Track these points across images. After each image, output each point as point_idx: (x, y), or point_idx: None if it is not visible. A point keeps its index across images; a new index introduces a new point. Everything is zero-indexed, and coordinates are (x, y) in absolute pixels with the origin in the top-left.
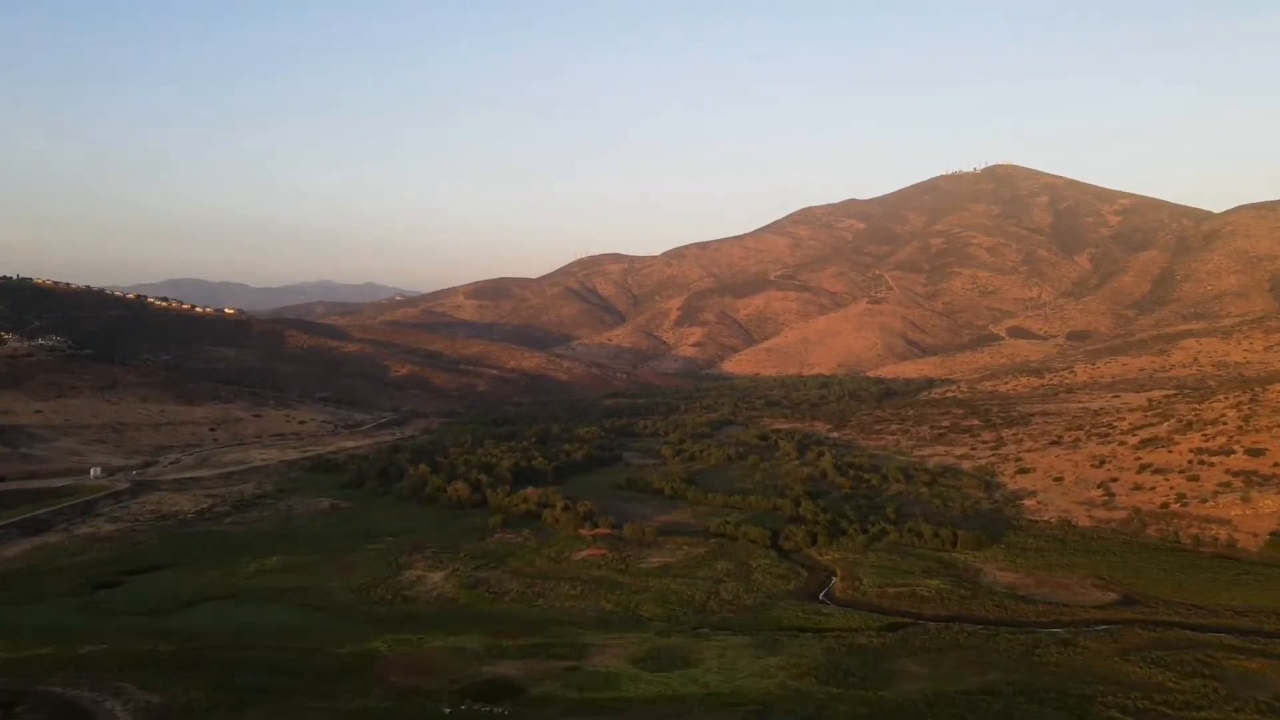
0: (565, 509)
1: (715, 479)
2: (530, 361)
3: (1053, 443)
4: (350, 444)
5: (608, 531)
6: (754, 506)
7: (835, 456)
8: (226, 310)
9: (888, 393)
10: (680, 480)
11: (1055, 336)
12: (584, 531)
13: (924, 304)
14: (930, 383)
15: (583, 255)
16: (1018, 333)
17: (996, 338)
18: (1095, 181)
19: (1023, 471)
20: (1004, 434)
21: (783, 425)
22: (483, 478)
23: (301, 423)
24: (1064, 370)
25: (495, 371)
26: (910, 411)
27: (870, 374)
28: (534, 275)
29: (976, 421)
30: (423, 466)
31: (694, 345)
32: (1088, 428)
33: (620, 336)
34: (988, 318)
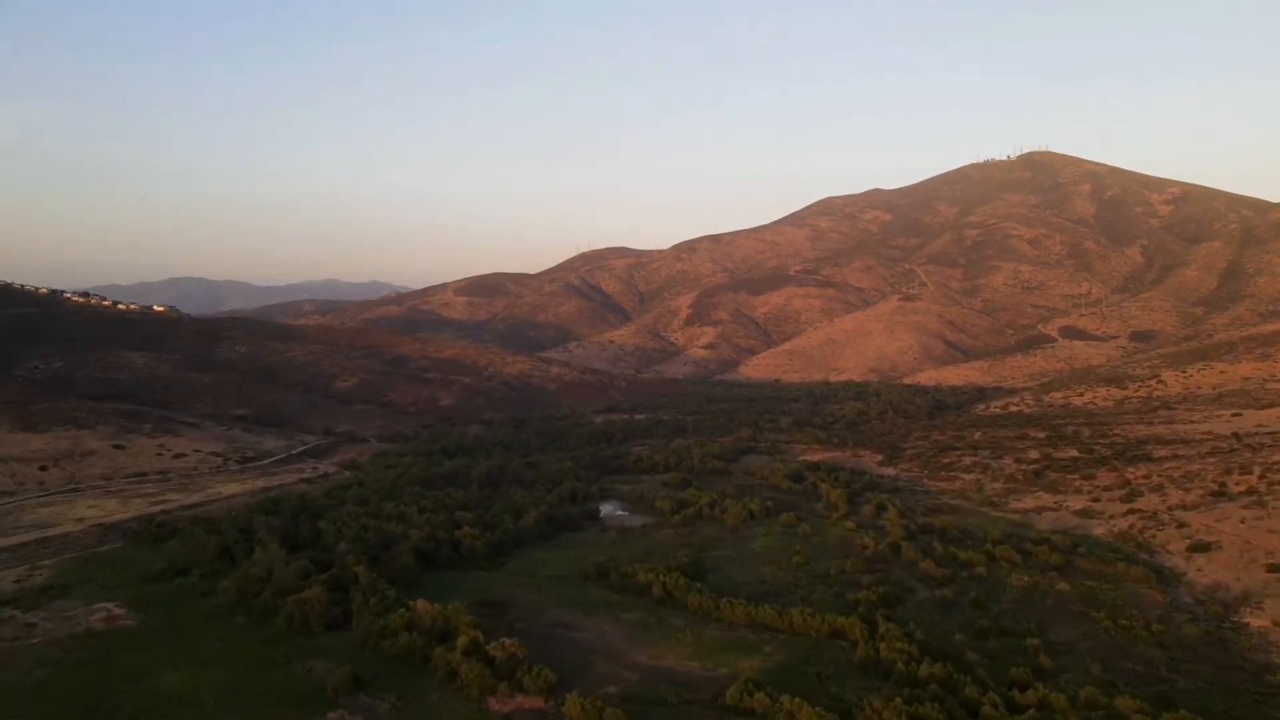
0: (470, 650)
1: (733, 560)
2: (513, 367)
3: (1216, 494)
4: (231, 489)
5: (538, 704)
6: (798, 628)
7: (903, 513)
8: (155, 307)
9: (937, 406)
10: (677, 568)
11: (1116, 337)
12: (495, 704)
13: (962, 301)
14: (981, 392)
15: (585, 249)
16: (1072, 333)
17: (1048, 339)
18: (1136, 169)
19: (1199, 548)
20: (1127, 475)
21: (818, 455)
22: (358, 570)
23: (179, 455)
24: (1149, 379)
25: (467, 380)
26: (978, 434)
27: (907, 380)
28: (534, 272)
29: (1076, 453)
30: (273, 548)
31: (706, 347)
32: (1258, 470)
33: (624, 337)
34: (1034, 316)
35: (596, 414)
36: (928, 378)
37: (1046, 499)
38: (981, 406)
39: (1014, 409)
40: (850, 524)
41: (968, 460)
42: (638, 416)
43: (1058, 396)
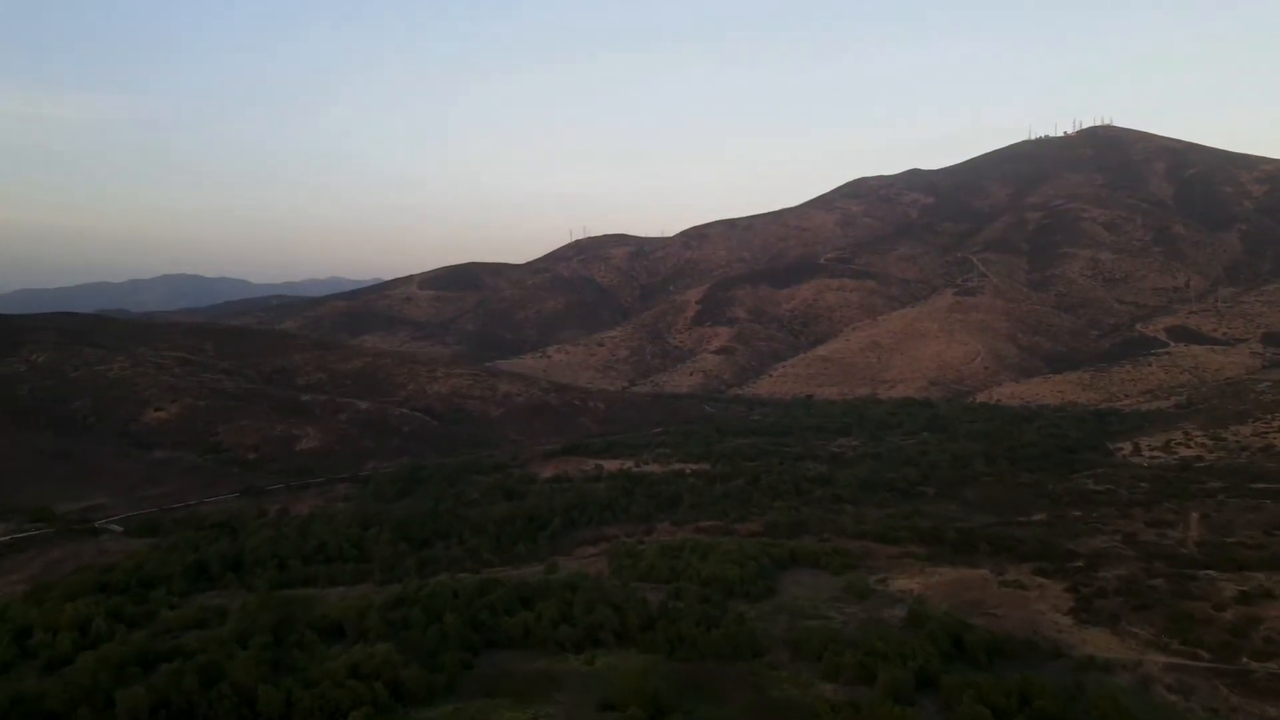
0: None
1: None
2: (444, 384)
3: None
4: None
5: None
6: None
7: None
8: None
9: (1067, 448)
10: None
11: (1245, 340)
12: None
13: (1032, 296)
14: (1100, 419)
15: (581, 237)
16: (1183, 334)
17: (1154, 341)
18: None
19: None
20: None
21: (922, 576)
22: None
23: None
24: None
25: (364, 405)
26: (1195, 517)
27: (981, 397)
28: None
29: None
30: None
31: (718, 351)
32: None
33: (618, 339)
34: (1121, 313)
35: (548, 461)
36: (1009, 393)
37: None
38: (1126, 447)
39: (1183, 450)
40: None
41: (1268, 613)
42: (607, 467)
43: (1244, 431)
